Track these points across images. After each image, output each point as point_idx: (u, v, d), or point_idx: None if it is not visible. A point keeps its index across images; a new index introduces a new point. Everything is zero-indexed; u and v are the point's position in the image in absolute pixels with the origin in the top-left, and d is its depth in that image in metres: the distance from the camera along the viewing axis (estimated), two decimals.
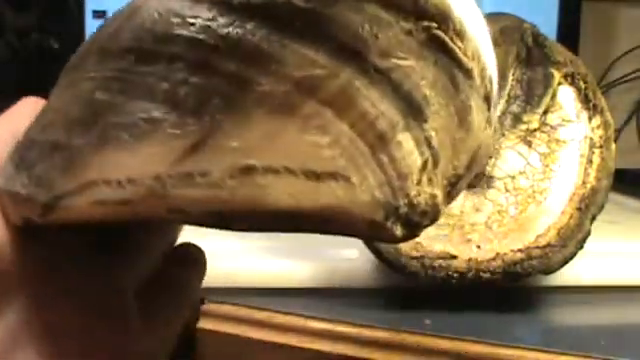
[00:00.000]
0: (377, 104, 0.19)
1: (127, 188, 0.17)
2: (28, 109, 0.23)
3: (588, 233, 0.40)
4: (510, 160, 0.42)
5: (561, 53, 0.44)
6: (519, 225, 0.40)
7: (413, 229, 0.20)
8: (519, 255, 0.39)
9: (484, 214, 0.41)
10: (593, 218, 0.41)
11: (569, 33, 0.79)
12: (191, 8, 0.19)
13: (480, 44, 0.21)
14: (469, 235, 0.40)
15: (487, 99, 0.22)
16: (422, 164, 0.19)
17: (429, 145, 0.20)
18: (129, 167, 0.18)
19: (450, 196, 0.21)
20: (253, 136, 0.18)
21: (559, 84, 0.43)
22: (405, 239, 0.20)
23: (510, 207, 0.41)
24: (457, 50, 0.20)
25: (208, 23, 0.18)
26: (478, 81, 0.21)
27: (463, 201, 0.41)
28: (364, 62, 0.19)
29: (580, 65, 0.44)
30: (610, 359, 0.35)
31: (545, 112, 0.43)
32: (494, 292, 0.41)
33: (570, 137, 0.42)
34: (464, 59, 0.20)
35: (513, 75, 0.44)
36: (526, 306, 0.42)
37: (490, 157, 0.42)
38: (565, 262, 0.40)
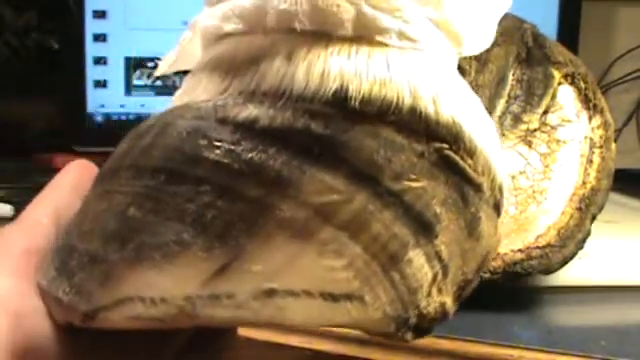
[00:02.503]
0: (390, 226, 0.20)
1: (160, 307, 0.19)
2: (70, 179, 0.25)
3: (588, 233, 0.40)
4: (510, 160, 0.42)
5: (561, 53, 0.44)
6: (519, 225, 0.40)
7: (423, 333, 0.21)
8: (519, 255, 0.39)
9: None
10: (593, 218, 0.41)
11: (569, 33, 0.79)
12: (216, 130, 0.20)
13: (490, 156, 0.22)
14: None
15: (497, 207, 0.23)
16: (432, 277, 0.21)
17: (439, 259, 0.21)
18: (161, 287, 0.19)
19: (460, 298, 0.22)
20: (274, 260, 0.19)
21: (559, 84, 0.43)
22: (416, 339, 0.21)
23: (510, 207, 0.41)
24: (467, 168, 0.21)
25: (233, 147, 0.20)
26: (488, 193, 0.22)
27: None
28: (378, 186, 0.20)
29: (580, 65, 0.44)
30: (610, 359, 0.35)
31: (545, 112, 0.43)
32: (494, 292, 0.41)
33: (570, 137, 0.42)
34: (474, 175, 0.22)
35: (513, 75, 0.44)
36: (526, 306, 0.42)
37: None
38: (565, 262, 0.40)
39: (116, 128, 0.77)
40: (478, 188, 0.22)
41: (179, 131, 0.20)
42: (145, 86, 0.78)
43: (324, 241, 0.19)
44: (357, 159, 0.20)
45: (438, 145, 0.21)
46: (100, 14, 0.77)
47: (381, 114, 0.20)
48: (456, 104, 0.22)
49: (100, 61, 0.78)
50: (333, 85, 0.20)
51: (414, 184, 0.20)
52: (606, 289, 0.45)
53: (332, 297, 0.19)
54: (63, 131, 0.82)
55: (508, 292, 0.42)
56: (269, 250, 0.19)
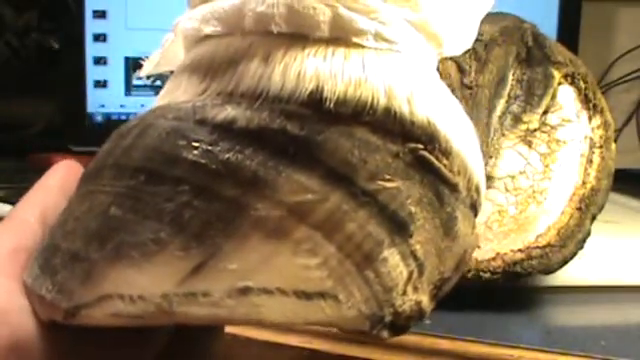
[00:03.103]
0: (364, 225, 0.20)
1: (138, 304, 0.19)
2: (57, 179, 0.26)
3: (588, 233, 0.40)
4: (510, 160, 0.42)
5: (561, 53, 0.44)
6: (519, 225, 0.40)
7: (400, 331, 0.21)
8: (519, 255, 0.39)
9: (484, 214, 0.41)
10: (593, 218, 0.41)
11: (569, 33, 0.79)
12: (195, 130, 0.20)
13: (466, 156, 0.23)
14: None
15: (473, 207, 0.23)
16: (408, 275, 0.21)
17: (414, 257, 0.21)
18: (139, 285, 0.19)
19: (437, 297, 0.23)
20: (250, 259, 0.19)
21: (559, 84, 0.43)
22: (393, 337, 0.22)
23: (510, 207, 0.41)
24: (442, 168, 0.22)
25: (210, 148, 0.20)
26: (464, 193, 0.23)
27: None
28: (353, 186, 0.20)
29: (580, 65, 0.44)
30: (610, 359, 0.35)
31: (545, 112, 0.43)
32: (494, 292, 0.41)
33: (570, 137, 0.42)
34: (449, 175, 0.22)
35: (513, 75, 0.44)
36: (526, 306, 0.42)
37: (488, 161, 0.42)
38: (565, 262, 0.40)
39: (116, 128, 0.77)
40: (454, 188, 0.22)
41: (159, 132, 0.21)
42: (145, 86, 0.78)
43: (298, 240, 0.20)
44: (332, 159, 0.20)
45: (413, 145, 0.21)
46: (100, 14, 0.77)
47: (356, 115, 0.21)
48: (432, 105, 0.22)
49: (100, 61, 0.78)
50: (309, 86, 0.21)
51: (388, 184, 0.20)
52: (606, 289, 0.45)
53: (306, 295, 0.19)
54: (63, 131, 0.82)
55: (508, 292, 0.42)
56: (244, 249, 0.19)
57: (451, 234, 0.22)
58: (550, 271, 0.40)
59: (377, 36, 0.22)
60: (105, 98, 0.78)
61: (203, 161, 0.20)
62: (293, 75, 0.21)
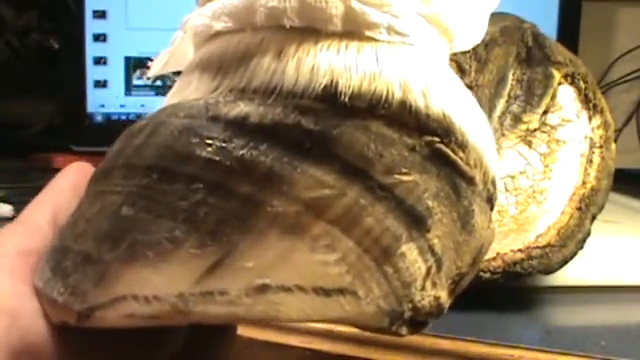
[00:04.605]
0: (382, 219, 0.20)
1: (153, 304, 0.19)
2: (68, 181, 0.25)
3: (588, 233, 0.40)
4: (510, 160, 0.42)
5: (561, 53, 0.44)
6: (519, 225, 0.40)
7: (419, 327, 0.21)
8: (519, 255, 0.39)
9: None
10: (593, 218, 0.41)
11: (569, 33, 0.79)
12: (208, 127, 0.20)
13: (482, 149, 0.22)
14: None
15: (489, 200, 0.23)
16: (426, 270, 0.21)
17: (432, 252, 0.21)
18: (155, 285, 0.19)
19: (455, 292, 0.22)
20: (267, 256, 0.19)
21: (559, 84, 0.43)
22: (412, 334, 0.21)
23: (510, 207, 0.41)
24: (459, 161, 0.21)
25: (224, 145, 0.20)
26: (480, 186, 0.22)
27: None
28: (369, 180, 0.20)
29: (580, 65, 0.44)
30: (610, 359, 0.35)
31: (545, 112, 0.43)
32: (494, 292, 0.41)
33: (570, 137, 0.42)
34: (466, 168, 0.22)
35: (513, 75, 0.44)
36: (526, 306, 0.42)
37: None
38: (565, 262, 0.40)
39: (116, 128, 0.77)
40: (470, 181, 0.22)
41: (171, 130, 0.20)
42: (145, 86, 0.78)
43: (316, 236, 0.19)
44: (348, 154, 0.20)
45: (429, 138, 0.21)
46: (100, 14, 0.77)
47: (371, 108, 0.20)
48: (447, 98, 0.22)
49: (100, 61, 0.78)
50: (323, 80, 0.20)
51: (405, 178, 0.20)
52: (606, 289, 0.45)
53: (325, 292, 0.19)
54: (63, 131, 0.82)
55: (508, 292, 0.42)
56: (261, 246, 0.19)
57: (468, 228, 0.22)
58: (550, 271, 0.40)
59: (390, 29, 0.21)
60: (105, 98, 0.78)
61: (217, 158, 0.20)
62: (306, 69, 0.21)
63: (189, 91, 0.23)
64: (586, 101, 0.43)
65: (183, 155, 0.20)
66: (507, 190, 0.41)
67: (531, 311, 0.42)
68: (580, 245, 0.40)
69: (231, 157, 0.20)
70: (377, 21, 0.21)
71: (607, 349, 0.36)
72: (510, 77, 0.44)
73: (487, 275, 0.39)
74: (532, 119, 0.43)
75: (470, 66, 0.44)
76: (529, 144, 0.42)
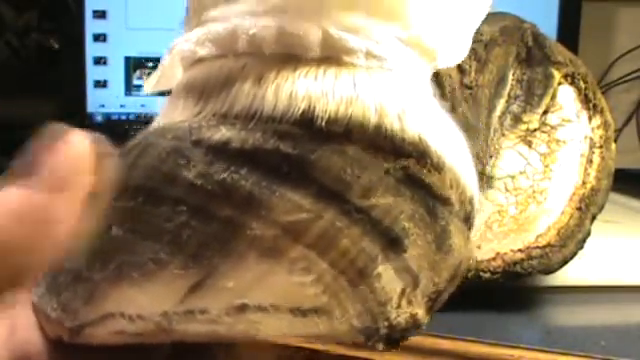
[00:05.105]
0: (357, 241, 0.20)
1: (139, 323, 0.19)
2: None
3: (588, 233, 0.40)
4: (510, 160, 0.42)
5: (561, 53, 0.44)
6: (519, 225, 0.40)
7: (395, 344, 0.22)
8: (519, 255, 0.39)
9: (484, 214, 0.41)
10: (593, 218, 0.41)
11: (569, 33, 0.79)
12: (192, 151, 0.21)
13: (459, 170, 0.23)
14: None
15: (467, 219, 0.23)
16: (402, 289, 0.21)
17: (408, 271, 0.21)
18: (140, 304, 0.20)
19: (433, 308, 0.23)
20: (246, 278, 0.20)
21: (559, 84, 0.43)
22: (390, 350, 0.22)
23: (510, 207, 0.41)
24: (434, 183, 0.22)
25: (206, 168, 0.20)
26: (457, 206, 0.23)
27: None
28: (345, 203, 0.20)
29: (580, 65, 0.44)
30: (610, 359, 0.35)
31: (545, 112, 0.43)
32: (494, 292, 0.41)
33: (570, 137, 0.42)
34: (441, 190, 0.22)
35: (513, 75, 0.44)
36: (526, 306, 0.42)
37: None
38: (565, 262, 0.40)
39: (116, 128, 0.77)
40: (446, 202, 0.22)
41: (159, 151, 0.21)
42: None
43: (293, 260, 0.20)
44: (325, 177, 0.20)
45: (404, 162, 0.21)
46: (100, 14, 0.77)
47: (348, 133, 0.21)
48: (423, 121, 0.22)
49: (100, 61, 0.78)
50: (301, 106, 0.21)
51: (381, 200, 0.21)
52: (606, 289, 0.45)
53: (301, 312, 0.20)
54: None
55: (508, 292, 0.42)
56: (240, 268, 0.20)
57: (444, 247, 0.22)
58: (550, 271, 0.40)
59: (368, 54, 0.22)
60: (105, 98, 0.78)
61: (199, 182, 0.20)
62: (285, 95, 0.21)
63: (176, 114, 0.23)
64: (586, 101, 0.43)
65: (169, 177, 0.20)
66: (507, 190, 0.41)
67: (531, 311, 0.42)
68: (580, 245, 0.40)
69: (213, 181, 0.20)
70: (355, 47, 0.22)
71: (607, 349, 0.36)
72: (510, 77, 0.44)
73: (487, 275, 0.39)
74: (532, 119, 0.43)
75: (470, 66, 0.44)
76: (529, 144, 0.42)
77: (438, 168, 0.22)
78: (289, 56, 0.22)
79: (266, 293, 0.20)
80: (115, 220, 0.21)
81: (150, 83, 0.27)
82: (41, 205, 0.20)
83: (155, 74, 0.27)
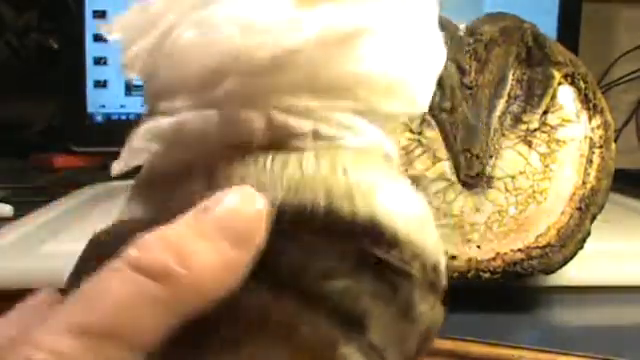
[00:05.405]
0: (317, 328, 0.20)
1: None
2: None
3: (588, 233, 0.40)
4: (510, 160, 0.42)
5: (561, 53, 0.44)
6: (519, 225, 0.40)
7: None
8: (519, 255, 0.39)
9: (484, 214, 0.41)
10: (593, 218, 0.41)
11: (569, 33, 0.79)
12: None
13: (418, 240, 0.22)
14: (469, 235, 0.40)
15: (433, 285, 0.23)
16: None
17: (373, 349, 0.21)
18: None
19: None
20: None
21: (559, 84, 0.43)
22: None
23: (510, 207, 0.41)
24: (391, 259, 0.21)
25: None
26: (419, 276, 0.22)
27: (463, 201, 0.41)
28: (302, 290, 0.20)
29: (580, 65, 0.44)
30: (610, 359, 0.35)
31: (545, 112, 0.43)
32: (494, 292, 0.41)
33: (570, 137, 0.42)
34: (399, 264, 0.22)
35: (513, 75, 0.44)
36: (526, 306, 0.42)
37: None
38: (565, 262, 0.40)
39: (116, 128, 0.77)
40: (407, 275, 0.22)
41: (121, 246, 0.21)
42: None
43: (252, 353, 0.20)
44: (279, 267, 0.20)
45: (358, 244, 0.21)
46: (100, 14, 0.77)
47: (297, 220, 0.21)
48: (374, 197, 0.22)
49: (100, 61, 0.78)
50: None
51: (338, 284, 0.21)
52: (606, 289, 0.45)
53: None
54: (63, 131, 0.82)
55: (508, 292, 0.42)
56: None
57: (410, 317, 0.22)
58: (550, 271, 0.40)
59: (315, 135, 0.22)
60: (105, 98, 0.78)
61: None
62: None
63: (131, 210, 0.24)
64: (586, 101, 0.43)
65: None
66: (507, 190, 0.41)
67: (531, 311, 0.42)
68: (580, 245, 0.40)
69: None
70: (300, 129, 0.22)
71: (607, 349, 0.36)
72: (510, 77, 0.44)
73: (487, 275, 0.39)
74: (532, 119, 0.43)
75: (470, 66, 0.44)
76: (529, 144, 0.42)
77: (394, 244, 0.21)
78: (237, 145, 0.22)
79: None
80: None
81: (118, 165, 0.26)
82: None
83: (121, 159, 0.26)
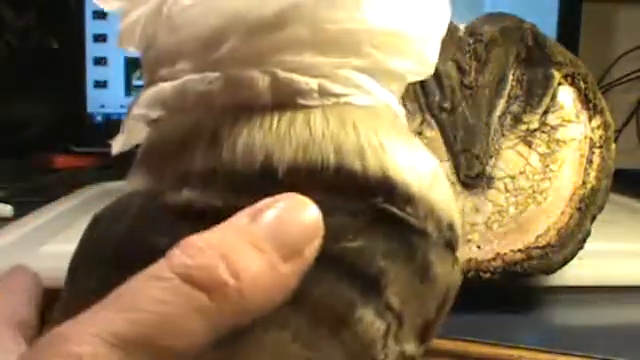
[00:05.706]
0: (333, 288, 0.20)
1: None
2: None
3: (588, 233, 0.40)
4: (510, 160, 0.42)
5: (561, 53, 0.44)
6: (519, 225, 0.40)
7: None
8: (519, 255, 0.39)
9: (484, 214, 0.41)
10: (593, 218, 0.41)
11: (569, 33, 0.79)
12: (158, 217, 0.21)
13: (432, 197, 0.22)
14: (469, 235, 0.40)
15: (449, 244, 0.22)
16: (386, 329, 0.21)
17: (390, 310, 0.21)
18: None
19: (426, 339, 0.22)
20: None
21: (559, 84, 0.43)
22: None
23: (510, 207, 0.41)
24: (406, 217, 0.21)
25: (172, 233, 0.20)
26: (435, 234, 0.22)
27: (463, 201, 0.41)
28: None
29: (580, 65, 0.44)
30: (610, 359, 0.35)
31: (545, 112, 0.43)
32: (494, 292, 0.41)
33: (570, 137, 0.42)
34: (415, 222, 0.21)
35: (513, 75, 0.44)
36: (526, 306, 0.42)
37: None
38: (565, 262, 0.40)
39: (116, 128, 0.77)
40: (422, 233, 0.21)
41: (128, 222, 0.21)
42: None
43: (269, 319, 0.19)
44: None
45: (371, 200, 0.21)
46: (100, 14, 0.77)
47: (308, 179, 0.20)
48: (386, 153, 0.21)
49: (100, 61, 0.78)
50: (259, 158, 0.20)
51: (352, 244, 0.20)
52: (606, 289, 0.45)
53: None
54: (63, 131, 0.82)
55: (508, 292, 0.42)
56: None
57: (428, 278, 0.21)
58: (550, 271, 0.40)
59: (322, 92, 0.21)
60: (105, 98, 0.78)
61: (165, 248, 0.19)
62: (241, 150, 0.21)
63: (141, 178, 0.23)
64: (586, 101, 0.43)
65: (138, 245, 0.20)
66: (507, 190, 0.41)
67: (531, 311, 0.42)
68: (580, 245, 0.40)
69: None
70: (306, 86, 0.21)
71: (607, 349, 0.36)
72: (510, 77, 0.44)
73: (487, 275, 0.39)
74: (532, 119, 0.43)
75: (470, 66, 0.44)
76: (529, 144, 0.42)
77: (408, 201, 0.21)
78: (241, 106, 0.21)
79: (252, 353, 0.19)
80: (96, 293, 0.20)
81: (117, 144, 0.26)
82: None
83: (120, 136, 0.26)
